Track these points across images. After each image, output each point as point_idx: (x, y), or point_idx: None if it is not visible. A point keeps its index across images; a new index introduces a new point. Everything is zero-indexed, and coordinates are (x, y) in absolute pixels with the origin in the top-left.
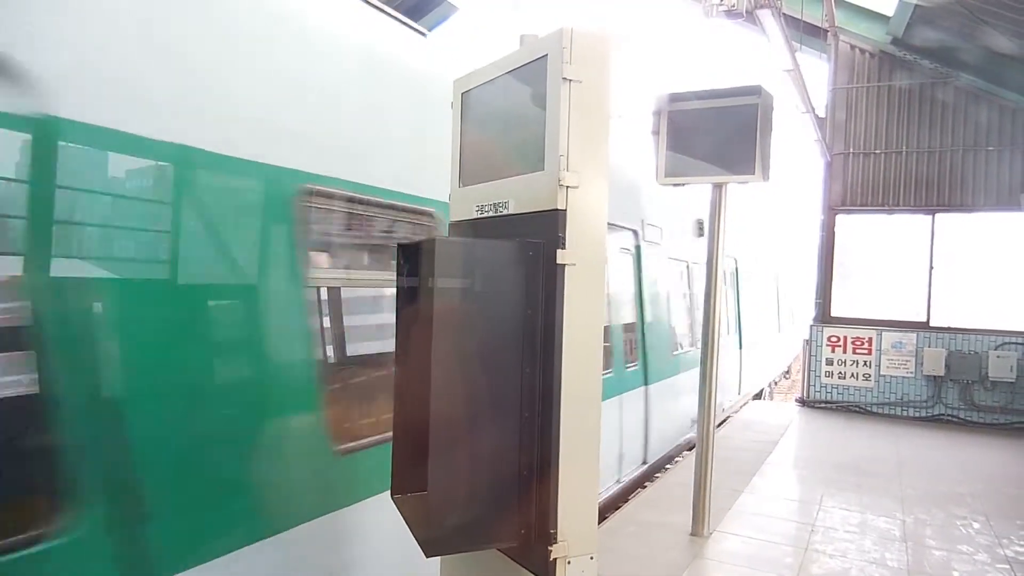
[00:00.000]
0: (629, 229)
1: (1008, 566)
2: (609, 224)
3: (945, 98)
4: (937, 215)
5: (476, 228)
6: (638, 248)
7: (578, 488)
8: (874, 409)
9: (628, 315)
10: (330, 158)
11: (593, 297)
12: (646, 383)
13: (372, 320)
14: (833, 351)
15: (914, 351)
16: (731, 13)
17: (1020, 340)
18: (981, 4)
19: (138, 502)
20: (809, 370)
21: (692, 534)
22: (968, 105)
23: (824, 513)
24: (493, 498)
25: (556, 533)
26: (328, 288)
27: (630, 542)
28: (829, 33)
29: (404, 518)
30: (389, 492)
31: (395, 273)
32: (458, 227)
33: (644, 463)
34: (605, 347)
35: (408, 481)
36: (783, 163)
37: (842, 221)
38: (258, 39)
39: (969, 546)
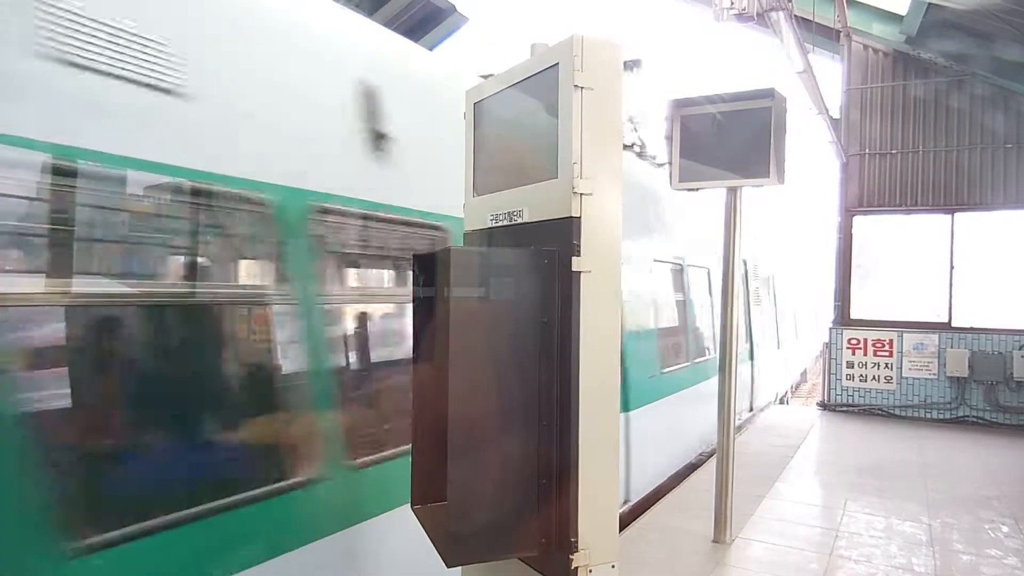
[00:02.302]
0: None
1: None
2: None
3: (960, 97)
4: (956, 214)
5: (491, 237)
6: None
7: (598, 496)
8: (897, 412)
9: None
10: None
11: (609, 303)
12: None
13: None
14: (853, 354)
15: (936, 352)
16: (742, 16)
17: None
18: (994, 2)
19: None
20: (829, 373)
21: (714, 541)
22: (984, 103)
23: (848, 518)
24: (513, 507)
25: (577, 541)
26: None
27: (652, 549)
28: (842, 34)
29: (424, 528)
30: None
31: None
32: (473, 236)
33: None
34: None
35: (428, 491)
36: (797, 164)
37: (859, 222)
38: None
39: (998, 550)
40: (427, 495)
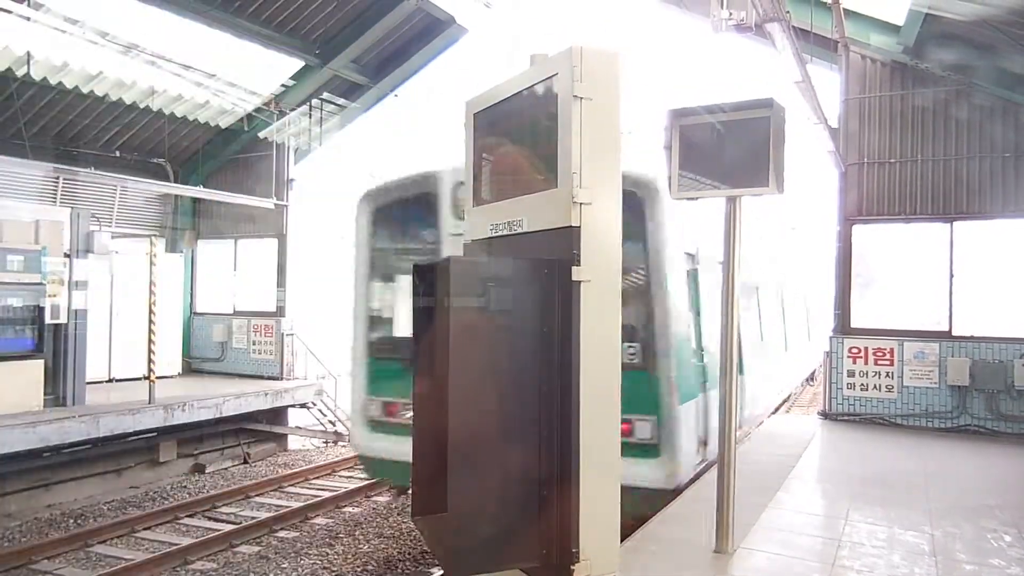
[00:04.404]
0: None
1: None
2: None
3: (959, 106)
4: (955, 223)
5: (491, 247)
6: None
7: (599, 506)
8: (898, 421)
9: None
10: None
11: (609, 312)
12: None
13: None
14: (855, 363)
15: (937, 361)
16: (740, 27)
17: None
18: (991, 13)
19: None
20: (830, 383)
21: (716, 551)
22: (982, 113)
23: (850, 527)
24: (514, 517)
25: (578, 552)
26: None
27: (653, 560)
28: (840, 44)
29: (425, 539)
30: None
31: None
32: (473, 246)
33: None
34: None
35: (429, 502)
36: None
37: (859, 231)
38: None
39: (1001, 559)
40: (428, 505)
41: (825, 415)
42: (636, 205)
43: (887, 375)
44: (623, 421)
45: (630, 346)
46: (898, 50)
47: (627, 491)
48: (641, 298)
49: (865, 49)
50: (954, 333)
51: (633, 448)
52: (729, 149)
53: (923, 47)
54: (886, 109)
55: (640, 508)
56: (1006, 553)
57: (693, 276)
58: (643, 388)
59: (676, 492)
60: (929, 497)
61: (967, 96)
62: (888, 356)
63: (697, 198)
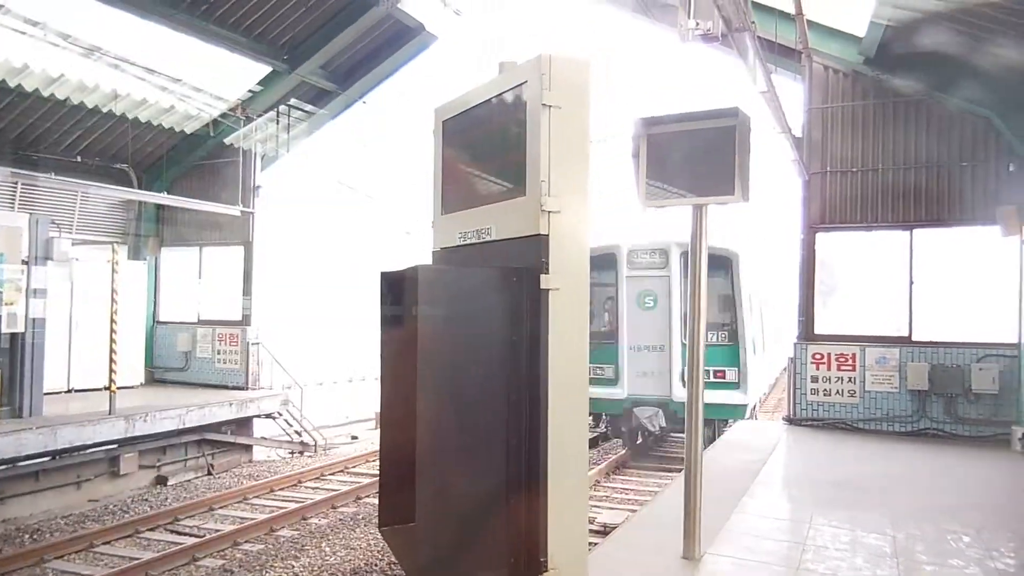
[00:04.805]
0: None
1: None
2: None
3: (918, 116)
4: (915, 230)
5: (459, 255)
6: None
7: (568, 515)
8: (860, 425)
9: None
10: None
11: (577, 321)
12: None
13: None
14: (818, 368)
15: (897, 366)
16: (707, 37)
17: (1002, 352)
18: (951, 25)
19: None
20: (795, 388)
21: (684, 557)
22: (941, 121)
23: (815, 531)
24: (482, 528)
25: (547, 561)
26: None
27: (621, 567)
28: (803, 55)
29: (392, 550)
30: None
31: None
32: (441, 255)
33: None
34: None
35: (396, 512)
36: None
37: (822, 239)
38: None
39: (960, 560)
40: (396, 515)
41: (790, 420)
42: (728, 264)
43: (849, 380)
44: (719, 370)
45: (723, 331)
46: (859, 60)
47: (725, 407)
48: (729, 309)
49: (827, 59)
50: (914, 338)
51: (727, 384)
52: (696, 158)
53: (883, 58)
54: (848, 119)
55: (731, 414)
56: (965, 553)
57: (750, 298)
58: (732, 353)
59: (746, 407)
60: (891, 500)
61: (926, 106)
62: (850, 361)
63: (663, 207)
